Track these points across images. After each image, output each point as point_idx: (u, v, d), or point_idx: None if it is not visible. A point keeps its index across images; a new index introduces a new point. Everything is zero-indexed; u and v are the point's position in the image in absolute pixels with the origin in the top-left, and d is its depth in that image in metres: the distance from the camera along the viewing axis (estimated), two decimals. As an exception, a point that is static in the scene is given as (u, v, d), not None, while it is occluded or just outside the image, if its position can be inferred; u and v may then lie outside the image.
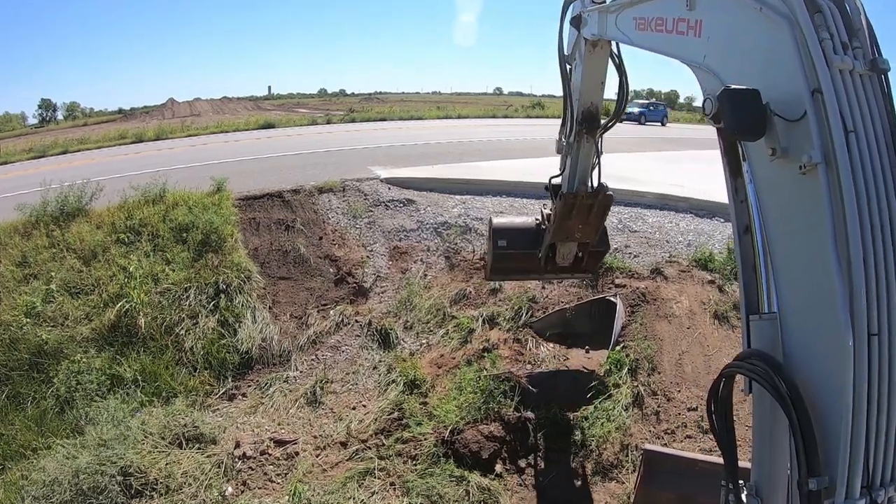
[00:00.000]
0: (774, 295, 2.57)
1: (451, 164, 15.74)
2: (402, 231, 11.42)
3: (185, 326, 8.78)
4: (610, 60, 4.91)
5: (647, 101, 46.55)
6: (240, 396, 8.24)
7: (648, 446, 5.66)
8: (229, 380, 8.42)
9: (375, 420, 7.27)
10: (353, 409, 7.68)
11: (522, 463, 6.62)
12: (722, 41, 2.74)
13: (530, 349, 8.22)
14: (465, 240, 10.97)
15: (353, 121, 34.30)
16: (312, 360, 8.81)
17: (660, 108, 45.20)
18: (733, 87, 2.43)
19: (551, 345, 8.39)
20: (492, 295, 9.49)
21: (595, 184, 5.55)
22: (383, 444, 6.87)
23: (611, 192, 5.57)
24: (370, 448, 6.87)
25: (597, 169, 5.51)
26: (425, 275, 10.35)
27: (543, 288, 9.44)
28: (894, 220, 2.16)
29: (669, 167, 16.57)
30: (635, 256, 10.02)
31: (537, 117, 40.95)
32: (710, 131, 3.04)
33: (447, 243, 10.93)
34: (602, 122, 5.28)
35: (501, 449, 6.65)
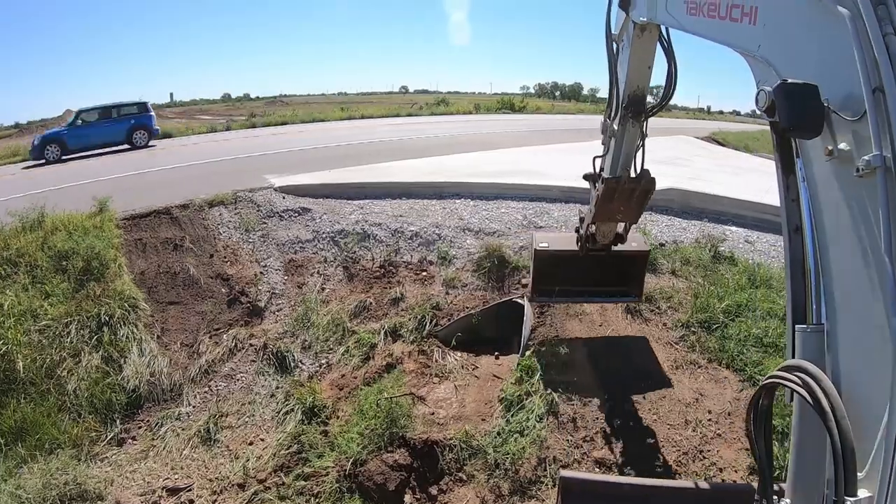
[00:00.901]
0: (823, 304, 2.44)
1: (350, 168, 15.26)
2: (297, 242, 10.88)
3: (67, 367, 8.00)
4: (658, 44, 4.78)
5: (85, 108, 24.32)
6: (129, 440, 7.59)
7: (565, 473, 5.24)
8: (117, 423, 7.71)
9: (274, 455, 6.84)
10: (251, 444, 7.21)
11: (434, 490, 6.23)
12: (778, 30, 2.65)
13: (437, 360, 7.86)
14: (364, 247, 10.56)
15: (253, 126, 33.36)
16: (206, 391, 8.22)
17: (121, 119, 23.88)
18: (790, 80, 2.28)
19: (459, 353, 8.05)
20: (393, 305, 9.13)
21: (639, 169, 5.49)
22: (283, 483, 6.45)
23: (654, 177, 5.52)
24: (269, 488, 6.45)
25: (640, 153, 5.43)
26: (323, 288, 9.88)
27: (447, 293, 9.15)
28: None
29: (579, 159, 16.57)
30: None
31: (441, 114, 40.59)
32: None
33: (345, 252, 10.49)
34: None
35: (409, 477, 6.29)
